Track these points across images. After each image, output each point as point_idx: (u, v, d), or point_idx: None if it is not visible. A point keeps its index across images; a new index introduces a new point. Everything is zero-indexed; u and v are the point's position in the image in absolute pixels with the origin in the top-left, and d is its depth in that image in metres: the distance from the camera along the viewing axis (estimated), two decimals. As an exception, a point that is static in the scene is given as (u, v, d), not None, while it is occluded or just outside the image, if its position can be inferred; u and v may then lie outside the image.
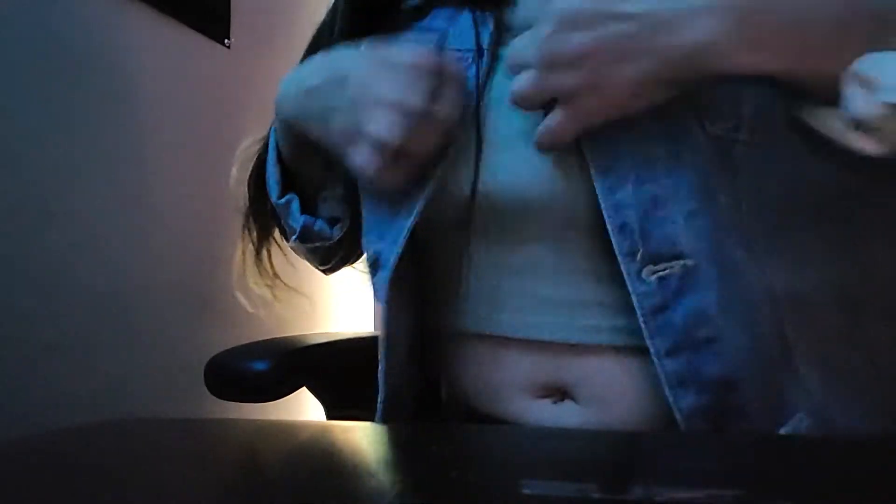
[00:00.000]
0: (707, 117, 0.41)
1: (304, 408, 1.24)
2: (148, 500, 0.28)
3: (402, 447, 0.38)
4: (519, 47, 0.42)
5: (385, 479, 0.31)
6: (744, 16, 0.36)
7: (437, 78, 0.43)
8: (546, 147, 0.43)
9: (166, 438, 0.38)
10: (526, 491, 0.26)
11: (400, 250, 0.48)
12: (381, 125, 0.42)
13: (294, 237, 0.58)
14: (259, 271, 0.63)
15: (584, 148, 0.43)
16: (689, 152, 0.41)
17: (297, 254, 0.66)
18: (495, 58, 0.49)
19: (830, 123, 0.37)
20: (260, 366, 0.65)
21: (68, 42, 0.98)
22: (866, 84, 0.33)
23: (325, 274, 0.72)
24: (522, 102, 0.42)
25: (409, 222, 0.47)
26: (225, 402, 0.66)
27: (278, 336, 0.75)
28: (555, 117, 0.41)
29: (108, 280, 1.04)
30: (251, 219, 0.61)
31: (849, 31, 0.35)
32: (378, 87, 0.43)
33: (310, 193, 0.59)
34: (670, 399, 0.41)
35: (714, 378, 0.41)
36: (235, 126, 1.38)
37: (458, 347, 0.51)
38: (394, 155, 0.43)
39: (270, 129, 0.59)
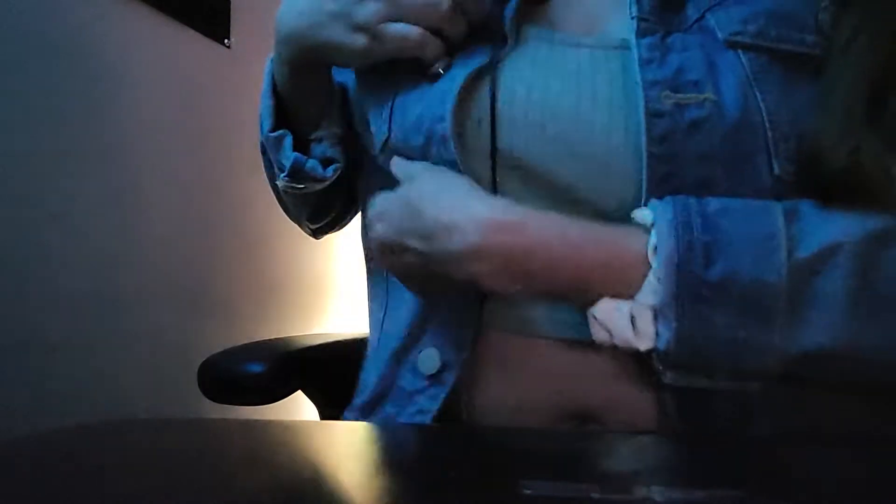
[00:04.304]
0: (777, 157, 0.43)
1: (300, 409, 1.24)
2: (147, 500, 0.28)
3: (401, 447, 0.38)
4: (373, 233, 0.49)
5: (385, 479, 0.31)
6: (508, 263, 0.42)
7: None
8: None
9: (165, 438, 0.38)
10: (526, 491, 0.26)
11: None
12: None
13: (284, 175, 0.57)
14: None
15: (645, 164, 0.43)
16: (753, 192, 0.42)
17: (287, 207, 0.66)
18: (523, 36, 0.49)
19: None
20: (255, 368, 0.64)
21: (67, 41, 0.98)
22: (602, 325, 0.41)
23: (315, 237, 0.71)
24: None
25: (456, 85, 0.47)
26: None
27: (274, 337, 0.75)
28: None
29: (103, 282, 1.04)
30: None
31: (596, 279, 0.41)
32: None
33: (305, 133, 0.57)
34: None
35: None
36: (235, 126, 1.38)
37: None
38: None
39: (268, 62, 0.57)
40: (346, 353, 0.71)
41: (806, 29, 0.44)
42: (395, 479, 0.30)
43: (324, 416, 0.70)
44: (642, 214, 0.41)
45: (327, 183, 0.58)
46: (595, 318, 0.41)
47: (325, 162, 0.57)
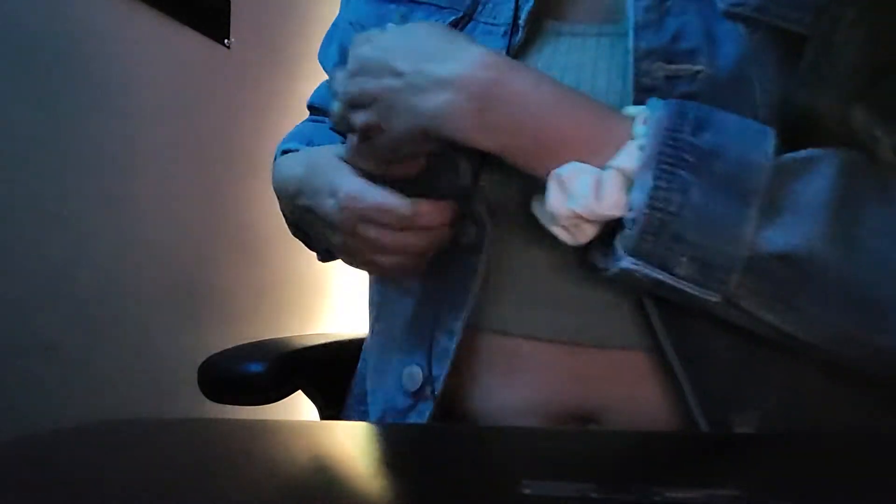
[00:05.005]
0: None
1: (300, 409, 1.24)
2: (147, 500, 0.28)
3: (401, 447, 0.38)
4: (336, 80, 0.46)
5: (385, 479, 0.31)
6: (483, 101, 0.39)
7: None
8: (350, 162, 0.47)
9: (165, 438, 0.38)
10: (526, 491, 0.26)
11: None
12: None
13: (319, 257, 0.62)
14: None
15: None
16: None
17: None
18: (535, 32, 0.48)
19: (541, 212, 0.41)
20: (255, 368, 0.64)
21: (67, 42, 0.98)
22: (563, 187, 0.38)
23: None
24: (336, 127, 0.47)
25: None
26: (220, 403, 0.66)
27: (274, 337, 0.75)
28: (352, 141, 0.45)
29: (103, 282, 1.04)
30: None
31: (569, 141, 0.39)
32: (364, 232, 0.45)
33: None
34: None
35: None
36: (234, 126, 1.38)
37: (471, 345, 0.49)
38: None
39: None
40: (346, 353, 0.71)
41: (803, 8, 0.43)
42: (396, 479, 0.30)
43: (324, 416, 0.70)
44: (633, 108, 0.40)
45: None
46: (556, 179, 0.38)
47: None
